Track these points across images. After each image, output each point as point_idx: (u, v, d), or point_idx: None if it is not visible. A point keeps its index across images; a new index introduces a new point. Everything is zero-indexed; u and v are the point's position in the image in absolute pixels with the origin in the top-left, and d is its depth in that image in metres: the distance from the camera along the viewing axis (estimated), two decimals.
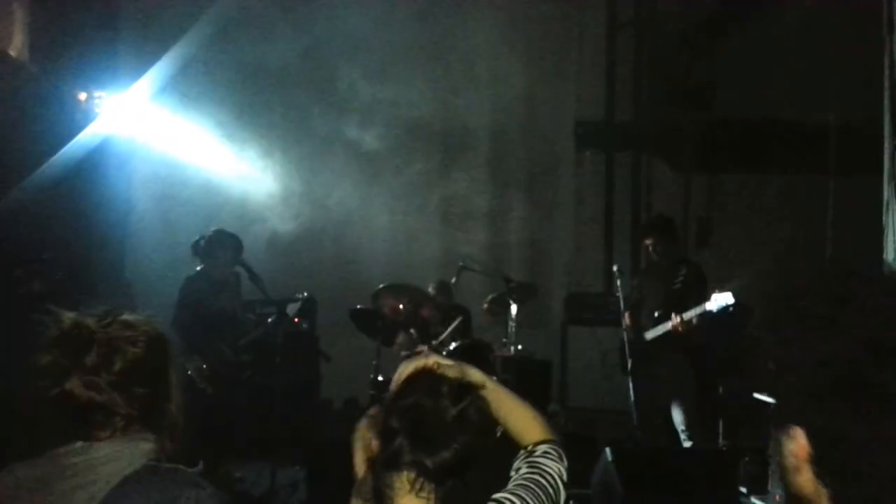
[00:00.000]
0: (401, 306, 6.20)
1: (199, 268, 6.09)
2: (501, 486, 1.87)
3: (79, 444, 1.88)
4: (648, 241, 6.52)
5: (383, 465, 1.74)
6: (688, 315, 6.00)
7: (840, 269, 1.20)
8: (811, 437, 1.13)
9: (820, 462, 1.12)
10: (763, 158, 8.15)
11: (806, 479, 1.13)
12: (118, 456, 1.85)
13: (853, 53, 7.14)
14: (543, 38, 8.59)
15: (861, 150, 6.86)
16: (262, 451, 5.91)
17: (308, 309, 7.38)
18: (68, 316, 1.89)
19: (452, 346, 5.94)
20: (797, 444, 1.14)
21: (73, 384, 1.84)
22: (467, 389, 1.76)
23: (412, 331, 6.30)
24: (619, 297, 6.55)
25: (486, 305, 7.06)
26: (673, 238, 6.56)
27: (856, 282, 1.16)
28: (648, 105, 8.92)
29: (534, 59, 8.59)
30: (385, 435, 1.73)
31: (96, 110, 7.31)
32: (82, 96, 7.29)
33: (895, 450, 1.06)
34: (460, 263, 7.11)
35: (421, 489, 1.72)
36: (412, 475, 1.71)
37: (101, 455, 1.85)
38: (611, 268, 7.20)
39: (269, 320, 6.19)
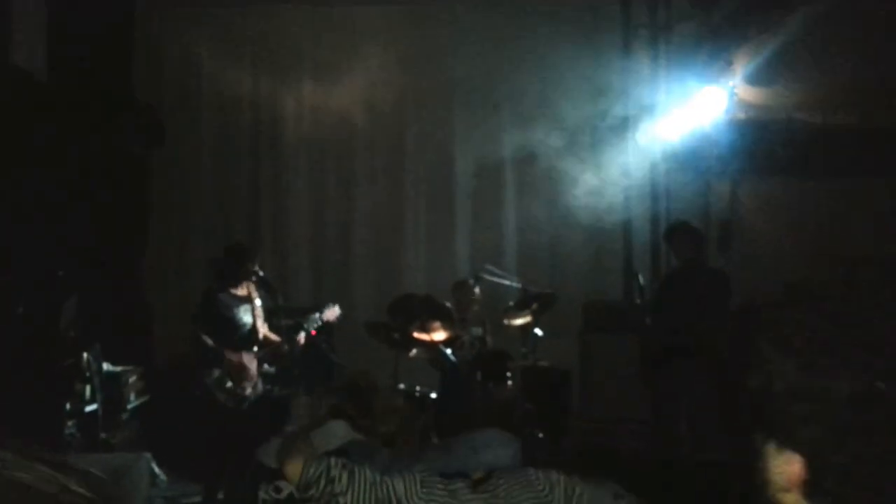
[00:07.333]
0: (417, 318, 6.14)
1: (217, 281, 6.07)
2: None
3: None
4: (670, 248, 6.45)
5: None
6: (707, 322, 5.89)
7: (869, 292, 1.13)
8: (814, 467, 1.06)
9: (814, 487, 1.06)
10: (785, 162, 8.01)
11: (793, 500, 1.09)
12: None
13: (875, 53, 7.02)
14: (560, 39, 8.50)
15: (884, 152, 6.73)
16: None
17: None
18: None
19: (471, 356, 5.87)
20: (792, 468, 1.08)
21: None
22: None
23: (428, 341, 6.23)
24: (639, 304, 6.45)
25: (504, 314, 6.97)
26: (695, 244, 6.46)
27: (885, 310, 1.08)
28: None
29: (553, 60, 8.50)
30: None
31: (118, 121, 7.29)
32: (102, 107, 7.27)
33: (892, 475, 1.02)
34: (478, 273, 7.04)
35: None
36: None
37: None
38: (630, 275, 7.10)
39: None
